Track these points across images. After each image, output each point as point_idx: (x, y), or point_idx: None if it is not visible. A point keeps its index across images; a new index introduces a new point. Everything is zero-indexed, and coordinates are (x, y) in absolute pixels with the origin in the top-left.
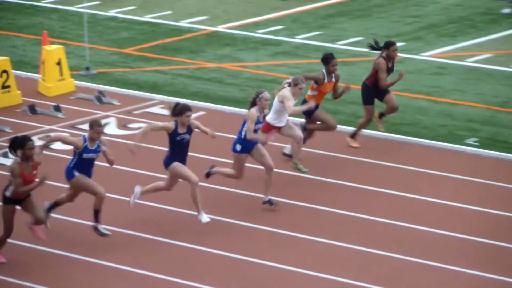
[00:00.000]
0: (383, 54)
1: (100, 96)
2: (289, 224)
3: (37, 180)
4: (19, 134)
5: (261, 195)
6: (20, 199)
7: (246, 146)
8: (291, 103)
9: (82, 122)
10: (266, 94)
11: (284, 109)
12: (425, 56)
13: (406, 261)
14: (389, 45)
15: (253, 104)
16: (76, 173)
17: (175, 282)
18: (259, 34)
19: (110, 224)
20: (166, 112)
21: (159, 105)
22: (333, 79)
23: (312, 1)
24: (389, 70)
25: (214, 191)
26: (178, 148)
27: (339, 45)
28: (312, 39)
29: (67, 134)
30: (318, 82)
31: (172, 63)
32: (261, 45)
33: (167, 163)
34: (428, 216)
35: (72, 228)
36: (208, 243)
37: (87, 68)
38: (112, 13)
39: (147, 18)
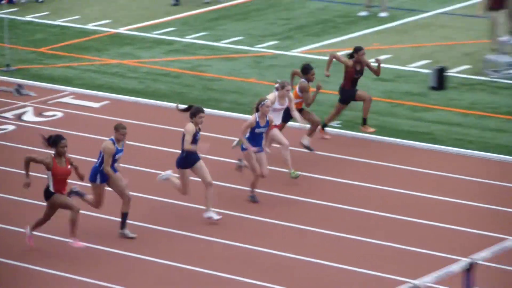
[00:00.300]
0: (353, 59)
1: (19, 89)
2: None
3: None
4: (53, 134)
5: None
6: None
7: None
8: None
9: (5, 111)
10: (268, 102)
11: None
12: (295, 52)
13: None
14: (358, 50)
15: (257, 110)
16: (99, 180)
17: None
18: (155, 34)
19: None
20: (76, 101)
21: (70, 96)
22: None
23: (199, 7)
24: (358, 73)
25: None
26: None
27: (222, 44)
28: (199, 38)
29: None
30: (303, 90)
31: (80, 60)
32: (156, 44)
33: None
34: None
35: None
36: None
37: (8, 65)
38: (28, 18)
39: (58, 22)
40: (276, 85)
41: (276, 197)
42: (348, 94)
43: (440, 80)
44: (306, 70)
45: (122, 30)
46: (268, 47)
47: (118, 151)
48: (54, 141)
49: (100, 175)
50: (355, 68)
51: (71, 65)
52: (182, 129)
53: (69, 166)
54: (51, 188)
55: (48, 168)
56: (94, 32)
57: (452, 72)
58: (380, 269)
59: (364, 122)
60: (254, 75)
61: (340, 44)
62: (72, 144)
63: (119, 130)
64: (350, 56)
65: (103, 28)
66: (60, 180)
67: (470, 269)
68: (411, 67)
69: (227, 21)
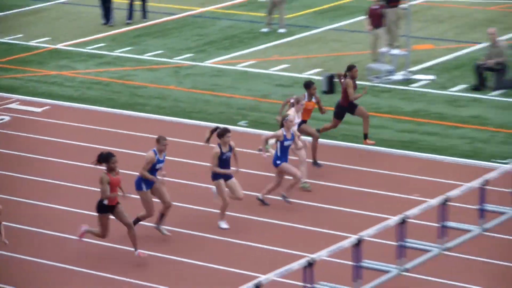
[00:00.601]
0: (348, 76)
1: None
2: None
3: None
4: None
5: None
6: (113, 205)
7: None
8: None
9: None
10: (291, 116)
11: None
12: (208, 63)
13: None
14: (352, 67)
15: (281, 125)
16: (144, 187)
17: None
18: (88, 49)
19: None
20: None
21: (16, 103)
22: (313, 100)
23: (124, 26)
24: (354, 87)
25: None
26: (222, 164)
27: (145, 57)
28: (126, 52)
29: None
30: (300, 101)
31: (24, 72)
32: (89, 58)
33: (215, 177)
34: None
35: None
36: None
37: None
38: None
39: (5, 40)
40: (292, 101)
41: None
42: (344, 110)
43: (330, 85)
44: (308, 85)
45: (60, 46)
46: (185, 59)
47: (159, 161)
48: (105, 158)
49: (145, 183)
50: (355, 83)
51: (17, 76)
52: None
53: (118, 176)
54: (105, 202)
55: (106, 183)
56: (36, 48)
57: None
58: None
59: (365, 136)
60: (173, 83)
61: (245, 56)
62: (18, 144)
63: (161, 141)
64: (344, 75)
65: (43, 44)
66: (113, 190)
67: (358, 244)
68: (306, 75)
69: (149, 38)
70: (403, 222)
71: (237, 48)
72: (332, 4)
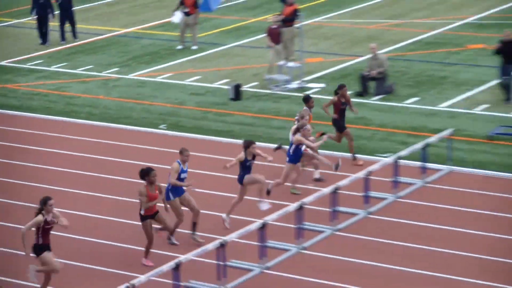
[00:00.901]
0: (338, 95)
1: None
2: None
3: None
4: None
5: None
6: (152, 214)
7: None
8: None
9: None
10: (308, 126)
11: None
12: (132, 76)
13: None
14: (342, 87)
15: (297, 130)
16: (172, 196)
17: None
18: (28, 65)
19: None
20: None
21: None
22: (310, 113)
23: (60, 45)
24: (343, 104)
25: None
26: (247, 170)
27: (78, 71)
28: (62, 67)
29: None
30: (304, 117)
31: None
32: (30, 72)
33: (241, 180)
34: None
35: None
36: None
37: None
38: None
39: None
40: (297, 117)
41: None
42: (340, 123)
43: (237, 93)
44: (307, 99)
45: (4, 62)
46: (112, 72)
47: (183, 171)
48: (146, 173)
49: (172, 192)
50: (340, 100)
51: None
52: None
53: (157, 191)
54: (142, 212)
55: (143, 195)
56: None
57: (245, 88)
58: None
59: (354, 157)
60: (102, 93)
61: (163, 69)
62: None
63: (183, 152)
64: (335, 92)
65: None
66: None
67: (263, 227)
68: (216, 85)
69: (81, 55)
70: (300, 208)
71: (157, 63)
72: (236, 25)
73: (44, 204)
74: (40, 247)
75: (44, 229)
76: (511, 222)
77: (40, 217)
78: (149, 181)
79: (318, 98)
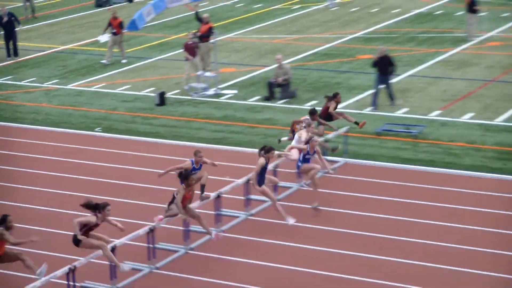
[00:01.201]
0: (333, 100)
1: None
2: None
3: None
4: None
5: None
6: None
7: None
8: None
9: None
10: (316, 137)
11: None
12: (71, 86)
13: None
14: (336, 94)
15: (307, 142)
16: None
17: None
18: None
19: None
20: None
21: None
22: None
23: (5, 61)
24: (335, 109)
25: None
26: (264, 173)
27: (23, 83)
28: (8, 80)
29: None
30: (310, 125)
31: None
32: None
33: (260, 183)
34: None
35: None
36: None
37: None
38: None
39: None
40: (303, 124)
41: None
42: (330, 119)
43: (162, 99)
44: (313, 112)
45: None
46: (53, 83)
47: (194, 169)
48: (185, 176)
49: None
50: (336, 106)
51: None
52: None
53: (191, 193)
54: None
55: (181, 194)
56: None
57: (169, 95)
58: None
59: (356, 123)
60: (45, 101)
61: (97, 80)
62: None
63: (197, 154)
64: (330, 98)
65: None
66: (184, 200)
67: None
68: (143, 92)
69: (25, 69)
70: (218, 196)
71: (91, 75)
72: (160, 41)
73: (103, 209)
74: (78, 241)
75: (90, 229)
76: (399, 204)
77: (93, 218)
78: (187, 184)
79: (231, 102)
